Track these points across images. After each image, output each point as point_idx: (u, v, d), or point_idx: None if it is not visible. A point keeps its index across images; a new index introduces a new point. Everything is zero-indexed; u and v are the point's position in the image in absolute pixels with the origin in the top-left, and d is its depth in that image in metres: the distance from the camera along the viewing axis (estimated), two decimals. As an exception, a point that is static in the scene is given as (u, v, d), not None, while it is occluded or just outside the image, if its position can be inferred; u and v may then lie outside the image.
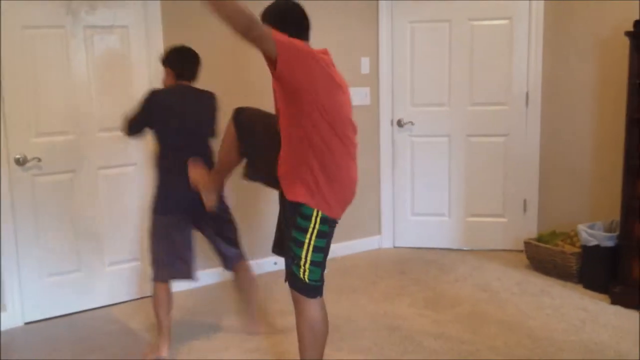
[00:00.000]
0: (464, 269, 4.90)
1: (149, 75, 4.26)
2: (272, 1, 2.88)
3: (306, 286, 2.78)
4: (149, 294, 4.24)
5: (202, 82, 4.52)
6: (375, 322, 3.93)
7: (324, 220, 2.75)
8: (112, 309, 4.24)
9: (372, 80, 5.32)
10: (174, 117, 3.49)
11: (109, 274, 4.32)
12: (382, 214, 5.51)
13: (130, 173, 4.28)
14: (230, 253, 3.72)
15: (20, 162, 3.92)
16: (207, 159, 3.52)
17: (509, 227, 5.27)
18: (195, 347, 3.67)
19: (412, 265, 5.03)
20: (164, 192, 3.52)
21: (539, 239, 4.82)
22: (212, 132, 3.63)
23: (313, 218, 2.72)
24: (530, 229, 5.15)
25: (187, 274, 3.59)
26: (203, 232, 3.67)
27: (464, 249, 5.36)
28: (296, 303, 2.83)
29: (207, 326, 3.97)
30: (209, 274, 4.66)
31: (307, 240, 2.74)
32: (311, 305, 2.80)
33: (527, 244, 4.86)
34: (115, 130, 3.99)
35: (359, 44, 5.23)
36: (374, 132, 5.38)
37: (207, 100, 3.66)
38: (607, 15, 4.50)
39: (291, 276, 2.80)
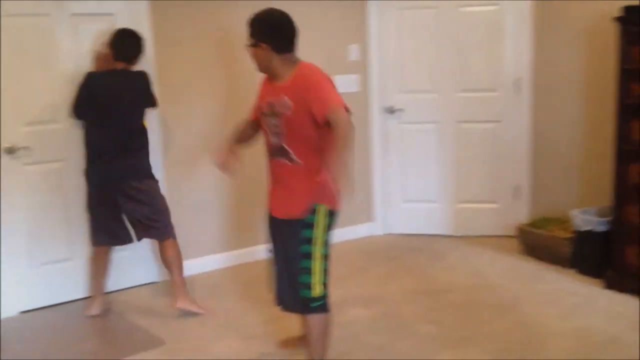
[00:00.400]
0: (456, 255, 4.91)
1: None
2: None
3: (320, 301, 2.88)
4: (143, 281, 4.24)
5: (188, 71, 4.50)
6: (369, 309, 3.93)
7: (329, 222, 2.86)
8: (106, 296, 4.20)
9: (361, 67, 5.29)
10: (100, 97, 3.75)
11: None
12: (373, 201, 5.51)
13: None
14: (152, 227, 3.91)
15: (10, 151, 3.89)
16: (133, 136, 3.83)
17: (500, 213, 5.28)
18: (190, 334, 3.66)
19: (404, 252, 5.03)
20: (89, 167, 3.82)
21: (532, 224, 4.84)
22: (141, 109, 3.90)
23: (319, 222, 2.81)
24: (521, 215, 5.16)
25: (111, 242, 3.97)
26: (120, 209, 3.88)
27: (456, 235, 5.36)
28: (308, 320, 2.93)
29: (203, 314, 3.96)
30: (205, 261, 4.66)
31: (315, 250, 2.83)
32: (319, 316, 2.93)
33: (519, 229, 4.87)
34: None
35: (347, 31, 5.20)
36: (364, 119, 5.36)
37: (136, 80, 3.87)
38: (596, 1, 4.50)
39: (303, 301, 2.88)
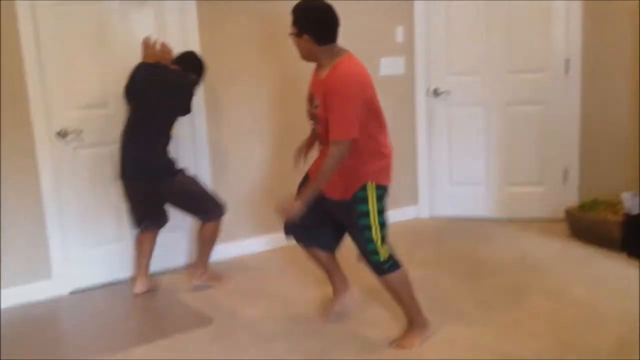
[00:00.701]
0: (503, 238, 4.86)
1: (184, 49, 4.26)
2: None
3: (389, 262, 3.14)
4: (193, 261, 4.29)
5: (234, 57, 4.52)
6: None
7: (380, 193, 3.08)
8: (155, 277, 4.29)
9: (407, 49, 5.25)
10: (135, 88, 3.84)
11: (151, 244, 4.36)
12: (419, 184, 5.48)
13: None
14: (194, 218, 4.08)
15: (62, 134, 3.98)
16: (157, 136, 3.86)
17: (548, 196, 5.20)
18: (238, 313, 3.70)
19: (450, 235, 5.01)
20: (119, 156, 3.90)
21: (581, 207, 4.76)
22: (172, 112, 3.90)
23: (369, 196, 3.05)
24: (570, 198, 5.07)
25: (147, 228, 4.04)
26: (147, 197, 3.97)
27: (503, 218, 5.30)
28: (386, 280, 3.21)
29: (251, 293, 4.01)
30: (252, 243, 4.72)
31: (372, 221, 3.06)
32: (394, 274, 3.18)
33: (568, 212, 4.79)
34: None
35: (393, 12, 5.16)
36: (410, 101, 5.33)
37: (179, 81, 3.86)
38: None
39: (377, 265, 3.15)
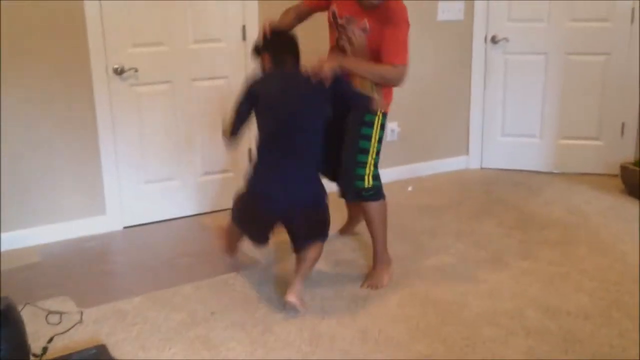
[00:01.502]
0: (554, 191, 4.79)
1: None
2: None
3: (372, 191, 3.25)
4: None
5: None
6: (460, 240, 3.92)
7: (383, 122, 3.29)
8: (204, 217, 4.38)
9: (468, -6, 5.12)
10: (266, 103, 3.14)
11: (203, 184, 4.43)
12: (470, 134, 5.40)
13: (222, 86, 4.30)
14: (301, 244, 3.23)
15: (118, 71, 4.01)
16: (307, 154, 3.16)
17: (604, 151, 5.09)
18: (283, 257, 3.70)
19: (500, 187, 4.96)
20: (252, 180, 3.25)
21: (636, 163, 4.65)
22: (316, 121, 3.14)
23: (376, 122, 3.24)
24: (627, 154, 4.94)
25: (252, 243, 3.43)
26: (288, 227, 3.23)
27: (555, 171, 5.22)
28: (364, 207, 3.33)
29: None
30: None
31: (372, 144, 3.25)
32: (373, 204, 3.30)
33: (623, 168, 4.69)
34: (206, 43, 4.18)
35: (454, -45, 5.01)
36: (466, 48, 5.21)
37: (310, 85, 3.09)
38: None
39: (357, 191, 3.27)
